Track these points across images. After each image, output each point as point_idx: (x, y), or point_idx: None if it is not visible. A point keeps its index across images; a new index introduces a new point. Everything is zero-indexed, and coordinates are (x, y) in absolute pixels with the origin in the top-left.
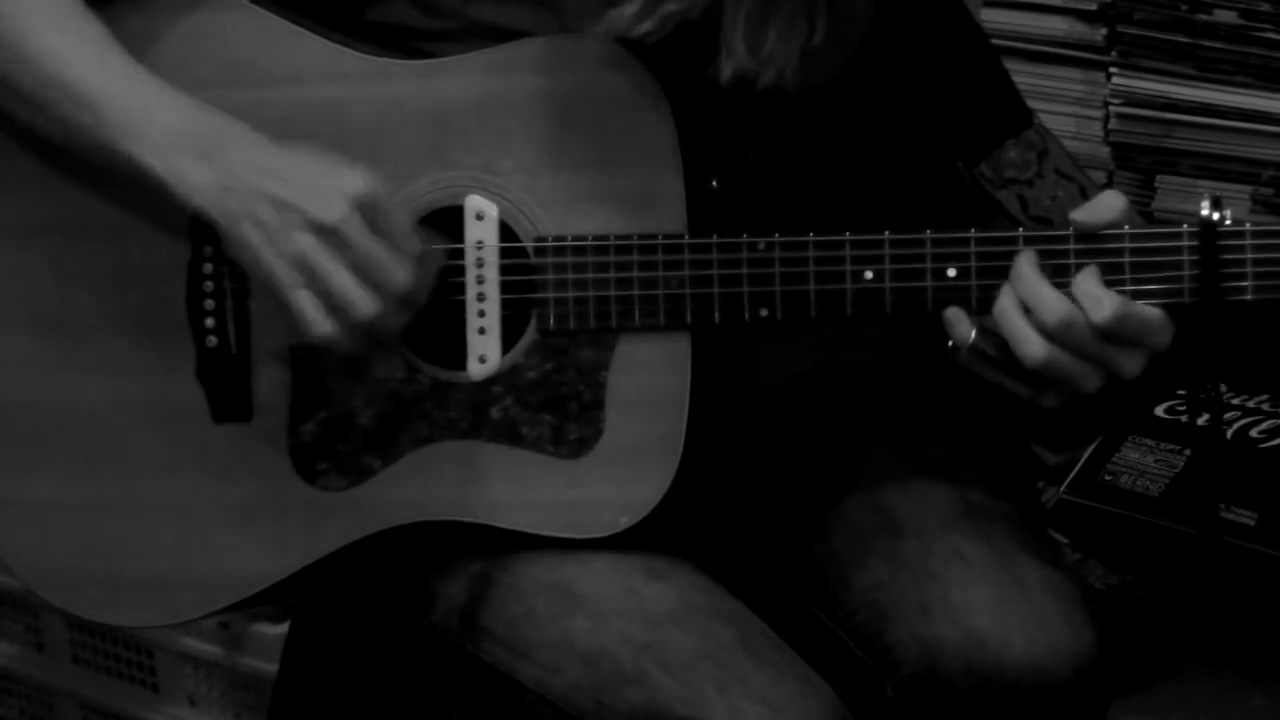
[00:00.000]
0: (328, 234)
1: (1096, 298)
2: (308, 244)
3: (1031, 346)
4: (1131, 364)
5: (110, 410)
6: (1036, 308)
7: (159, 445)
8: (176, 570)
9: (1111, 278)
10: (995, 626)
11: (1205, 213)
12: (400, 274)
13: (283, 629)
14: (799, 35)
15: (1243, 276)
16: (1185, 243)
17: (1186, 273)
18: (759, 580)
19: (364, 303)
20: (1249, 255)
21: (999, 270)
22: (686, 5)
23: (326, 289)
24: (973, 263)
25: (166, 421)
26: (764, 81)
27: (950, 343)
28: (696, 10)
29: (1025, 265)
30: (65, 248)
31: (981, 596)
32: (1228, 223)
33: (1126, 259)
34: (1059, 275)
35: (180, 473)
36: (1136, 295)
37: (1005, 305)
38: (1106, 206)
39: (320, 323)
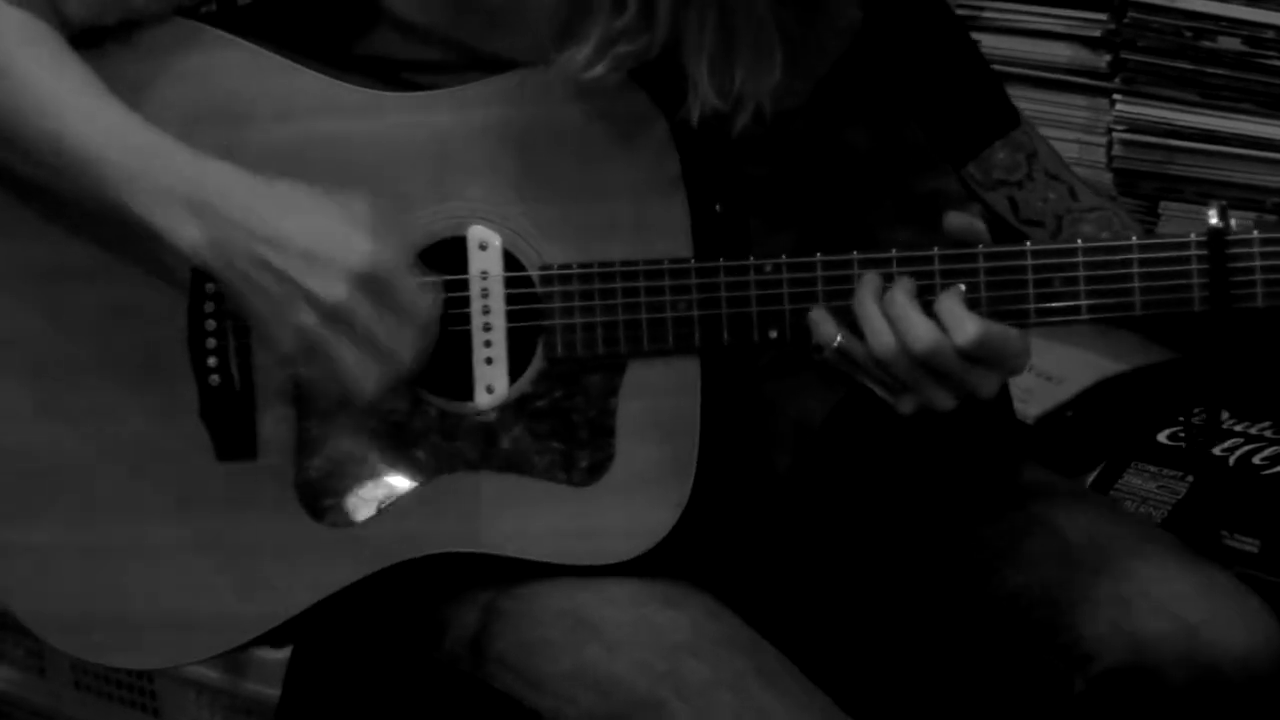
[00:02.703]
0: (330, 314)
1: (959, 318)
2: (311, 321)
3: (881, 339)
4: (988, 385)
5: (112, 452)
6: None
7: (163, 486)
8: (184, 611)
9: (1120, 287)
10: (1207, 618)
11: (1213, 221)
12: (405, 351)
13: (285, 654)
14: (766, 72)
15: (1252, 284)
16: (1194, 252)
17: (1196, 281)
18: (773, 605)
19: (366, 381)
20: (1257, 263)
21: (1007, 284)
22: (641, 47)
23: (329, 366)
24: (981, 278)
25: (170, 462)
26: (740, 123)
27: (814, 342)
28: (653, 52)
29: (875, 291)
30: (62, 290)
31: (1184, 589)
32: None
33: (1135, 269)
34: (1069, 286)
35: (185, 513)
36: (1146, 306)
37: (865, 301)
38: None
39: (329, 386)
